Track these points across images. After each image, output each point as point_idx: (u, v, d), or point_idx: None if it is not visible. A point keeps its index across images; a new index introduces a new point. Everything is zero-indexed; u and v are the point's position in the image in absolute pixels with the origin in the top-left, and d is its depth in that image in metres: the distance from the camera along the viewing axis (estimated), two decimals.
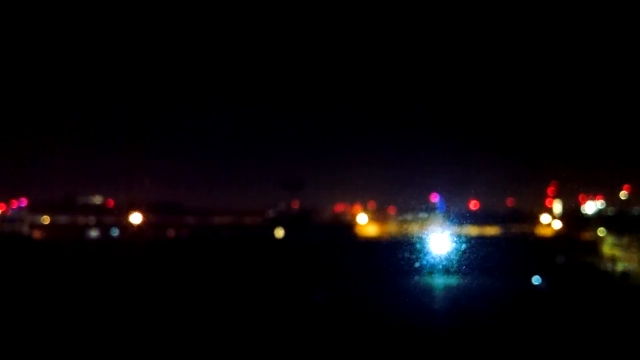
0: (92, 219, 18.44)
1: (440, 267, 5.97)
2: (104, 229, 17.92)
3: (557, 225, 15.28)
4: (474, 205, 9.81)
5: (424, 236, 6.12)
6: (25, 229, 17.32)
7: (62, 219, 18.56)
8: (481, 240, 7.20)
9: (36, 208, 17.93)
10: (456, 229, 6.14)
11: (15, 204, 17.43)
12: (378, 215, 15.71)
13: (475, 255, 5.90)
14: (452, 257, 5.90)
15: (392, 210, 14.78)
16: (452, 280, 6.29)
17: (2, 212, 17.40)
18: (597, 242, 13.32)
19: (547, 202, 15.42)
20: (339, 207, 18.46)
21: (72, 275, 10.25)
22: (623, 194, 14.42)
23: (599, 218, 15.33)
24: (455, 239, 5.98)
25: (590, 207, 16.10)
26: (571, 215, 15.74)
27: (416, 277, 6.53)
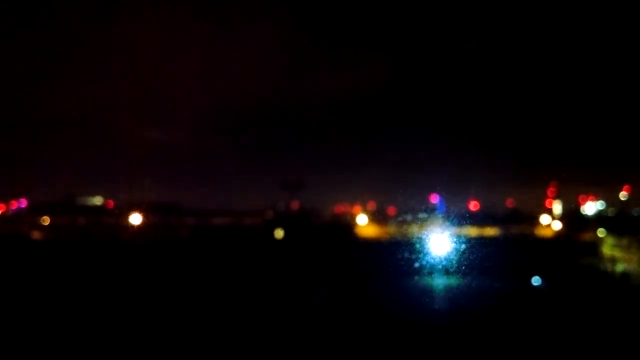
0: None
1: (440, 267, 5.98)
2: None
3: (557, 226, 15.29)
4: (473, 206, 9.82)
5: (423, 237, 6.13)
6: (25, 229, 17.29)
7: (62, 219, 18.53)
8: (481, 241, 7.20)
9: (36, 208, 17.89)
10: (456, 229, 6.14)
11: (15, 204, 17.41)
12: (378, 216, 15.67)
13: (475, 256, 5.90)
14: (451, 257, 5.90)
15: (392, 210, 14.75)
16: (452, 281, 6.29)
17: (2, 212, 17.39)
18: (597, 243, 13.30)
19: (547, 202, 15.44)
20: (339, 208, 18.42)
21: (73, 276, 10.25)
22: (623, 195, 14.43)
23: (599, 219, 15.33)
24: (455, 240, 5.98)
25: (590, 207, 16.12)
26: (571, 216, 15.75)
27: (416, 278, 6.53)
